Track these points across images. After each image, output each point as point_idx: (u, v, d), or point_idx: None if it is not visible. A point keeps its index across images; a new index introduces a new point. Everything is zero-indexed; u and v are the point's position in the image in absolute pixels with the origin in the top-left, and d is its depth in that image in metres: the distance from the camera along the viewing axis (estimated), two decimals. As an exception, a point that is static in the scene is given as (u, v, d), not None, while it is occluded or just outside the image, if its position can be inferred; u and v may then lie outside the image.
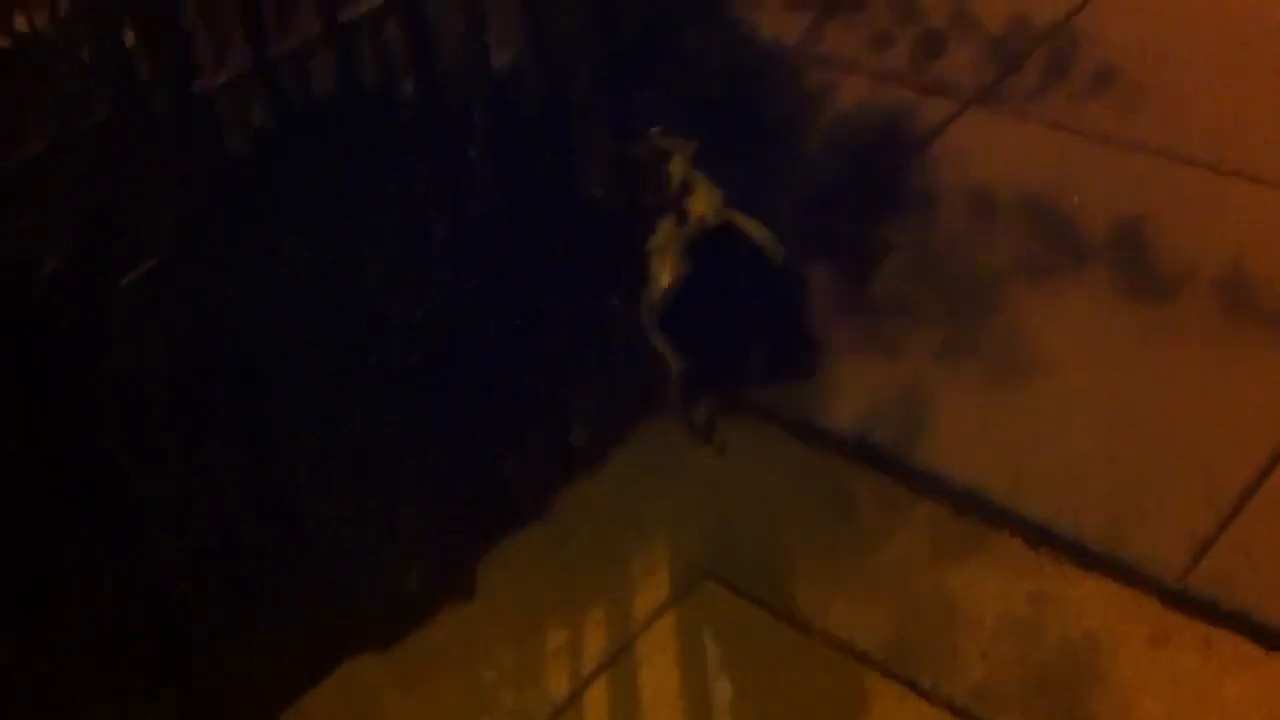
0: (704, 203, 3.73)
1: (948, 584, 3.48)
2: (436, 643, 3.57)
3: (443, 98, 3.34)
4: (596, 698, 3.41)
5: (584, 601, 3.60)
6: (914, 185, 4.63)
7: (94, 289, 2.83)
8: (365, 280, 3.31)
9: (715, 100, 4.30)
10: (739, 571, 3.61)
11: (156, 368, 3.00)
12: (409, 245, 3.40)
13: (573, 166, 3.74)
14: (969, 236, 4.40)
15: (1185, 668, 3.20)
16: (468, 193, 3.48)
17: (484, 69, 3.42)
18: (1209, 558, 3.37)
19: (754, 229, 3.77)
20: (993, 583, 3.47)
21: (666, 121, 3.63)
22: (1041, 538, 3.54)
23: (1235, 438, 3.62)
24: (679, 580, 3.62)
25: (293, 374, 3.24)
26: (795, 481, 3.81)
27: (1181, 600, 3.33)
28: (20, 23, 2.63)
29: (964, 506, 3.63)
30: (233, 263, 3.04)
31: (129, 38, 2.75)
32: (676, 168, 3.75)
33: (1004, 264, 4.28)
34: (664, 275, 3.72)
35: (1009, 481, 3.63)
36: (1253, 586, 3.29)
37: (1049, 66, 4.97)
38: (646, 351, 3.74)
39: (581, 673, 3.46)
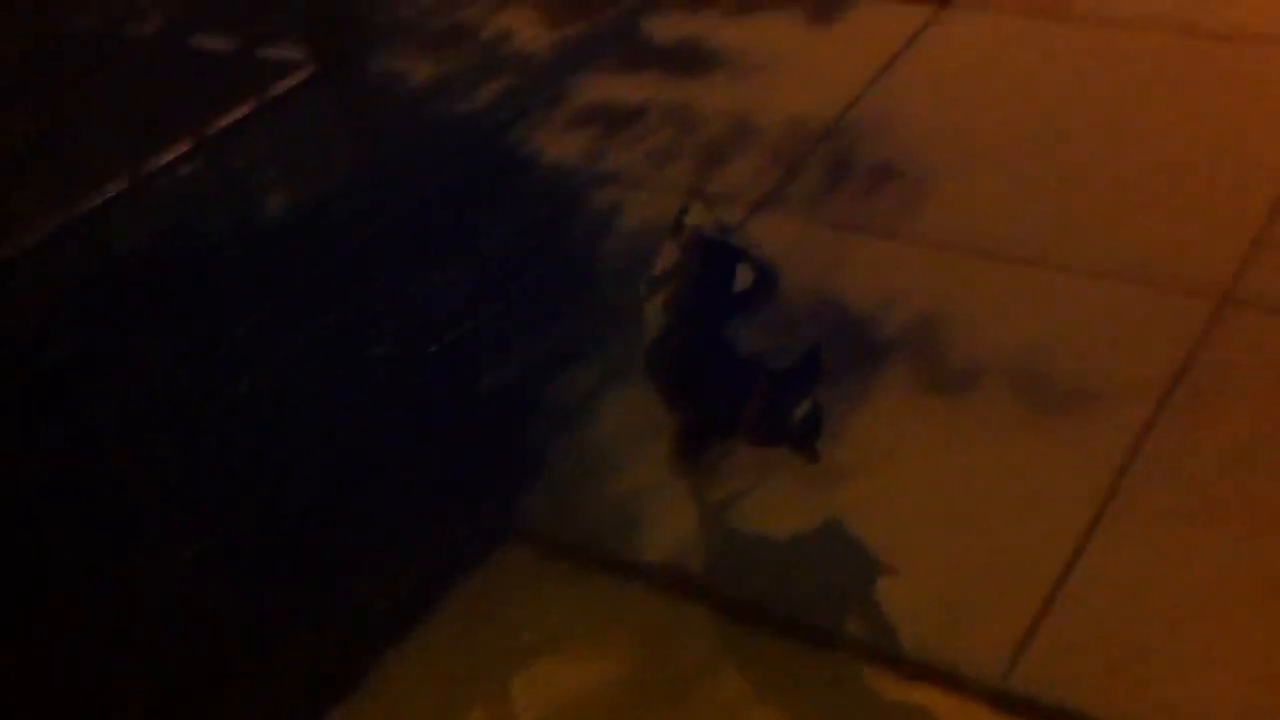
0: (699, 216, 3.87)
1: (780, 714, 3.38)
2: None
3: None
4: None
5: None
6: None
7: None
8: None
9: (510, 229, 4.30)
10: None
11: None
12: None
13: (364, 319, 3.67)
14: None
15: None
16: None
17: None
18: (1028, 654, 3.35)
19: (751, 246, 3.83)
20: (828, 702, 3.39)
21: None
22: (869, 653, 3.48)
23: (1042, 526, 3.63)
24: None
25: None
26: (613, 617, 3.69)
27: (1008, 701, 3.29)
28: None
29: (787, 630, 3.55)
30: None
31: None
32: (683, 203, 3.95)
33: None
34: (655, 323, 3.77)
35: (831, 600, 3.58)
36: (1074, 679, 3.27)
37: (830, 167, 5.03)
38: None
39: None
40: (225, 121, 5.85)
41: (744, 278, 3.81)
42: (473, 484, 4.14)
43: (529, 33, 6.24)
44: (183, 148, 5.72)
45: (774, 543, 3.79)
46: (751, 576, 3.70)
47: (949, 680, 3.34)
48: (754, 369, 3.65)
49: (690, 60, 5.76)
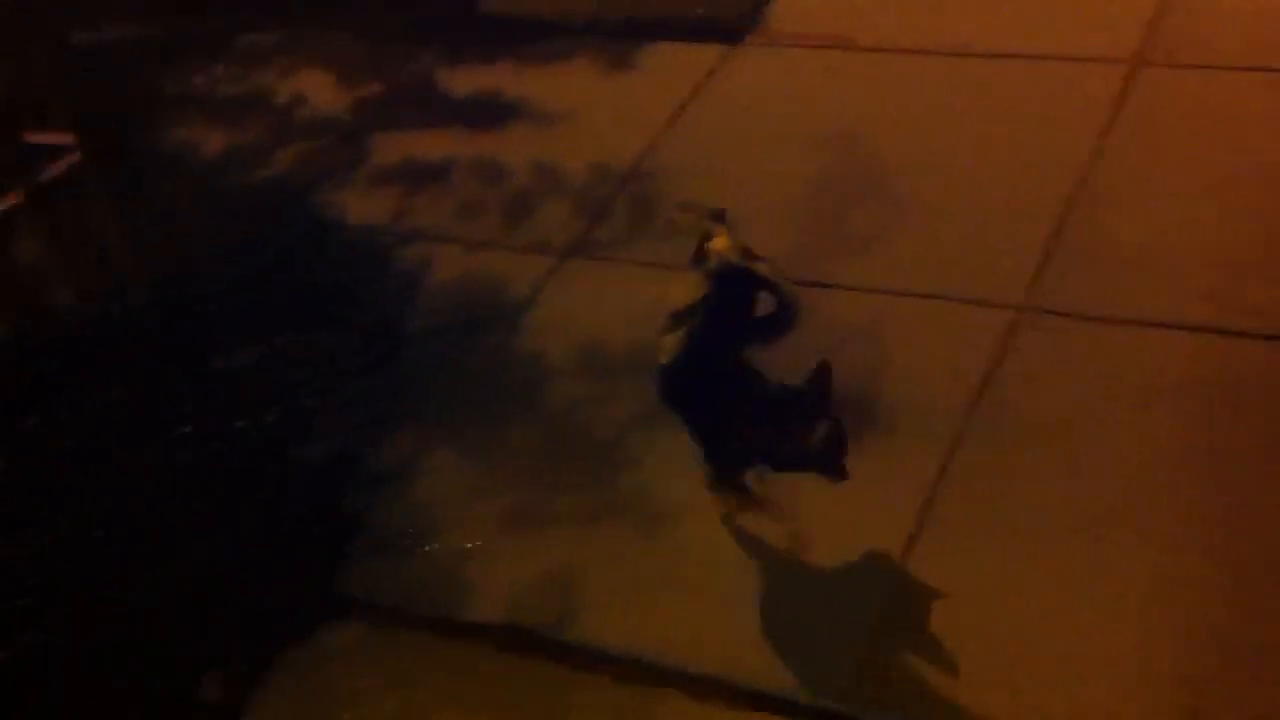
0: (723, 243, 3.78)
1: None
2: None
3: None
4: None
5: None
6: (523, 350, 4.58)
7: None
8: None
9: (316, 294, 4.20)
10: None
11: None
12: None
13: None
14: (589, 394, 4.38)
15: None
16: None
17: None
18: (862, 684, 3.39)
19: (771, 272, 3.74)
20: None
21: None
22: (708, 689, 3.47)
23: (865, 547, 3.69)
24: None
25: None
26: (449, 683, 3.62)
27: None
28: None
29: (626, 675, 3.53)
30: None
31: None
32: (704, 228, 3.86)
33: (627, 416, 4.26)
34: (670, 348, 3.69)
35: (669, 640, 3.57)
36: (911, 696, 3.32)
37: (636, 209, 5.06)
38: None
39: None
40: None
41: (764, 304, 3.75)
42: (295, 557, 4.03)
43: (325, 95, 6.16)
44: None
45: (605, 589, 3.76)
46: (585, 625, 3.66)
47: (790, 707, 3.35)
48: (766, 395, 3.60)
49: (491, 113, 5.75)
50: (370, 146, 5.74)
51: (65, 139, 5.72)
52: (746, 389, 3.62)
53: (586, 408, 4.33)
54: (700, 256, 3.79)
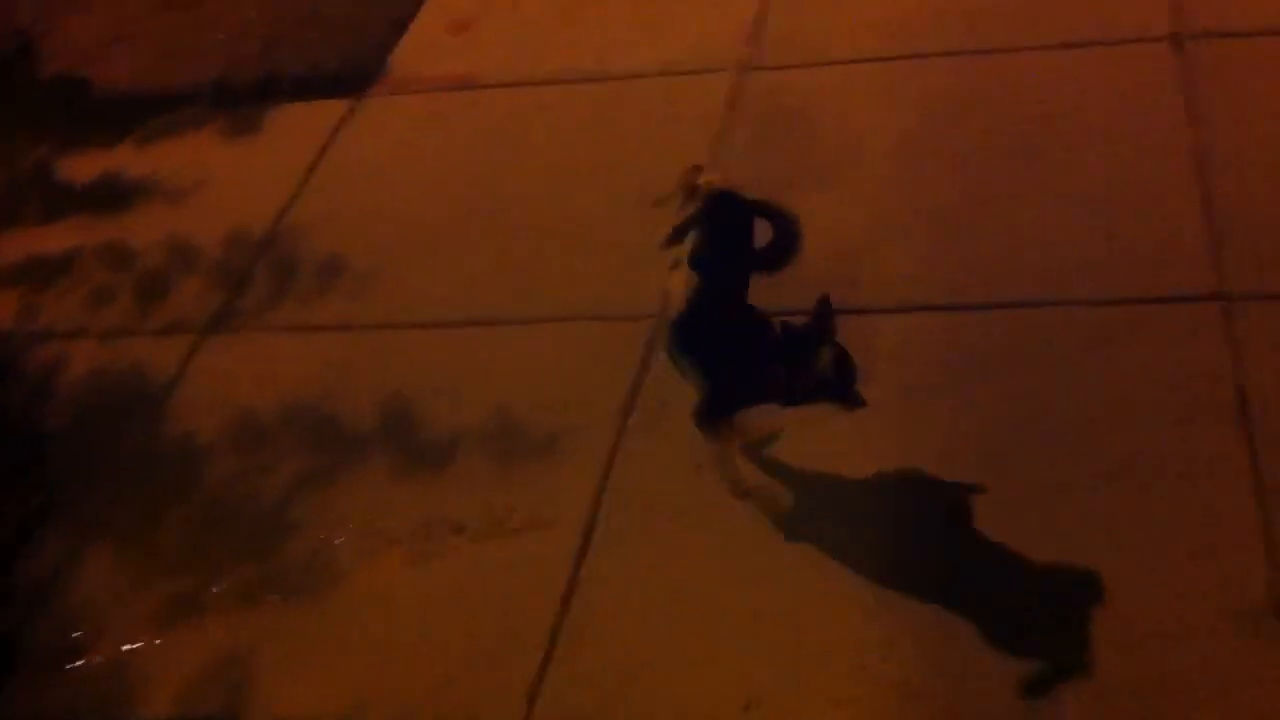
0: (711, 178, 3.73)
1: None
2: None
3: None
4: None
5: None
6: (173, 434, 4.41)
7: None
8: None
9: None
10: None
11: None
12: None
13: None
14: (245, 468, 4.25)
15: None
16: None
17: None
18: (543, 694, 3.43)
19: (768, 200, 3.67)
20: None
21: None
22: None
23: (531, 572, 3.72)
24: None
25: None
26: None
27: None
28: None
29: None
30: None
31: None
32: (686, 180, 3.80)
33: (288, 483, 4.16)
34: (678, 291, 3.57)
35: (342, 703, 3.50)
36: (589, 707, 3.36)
37: (276, 273, 4.95)
38: None
39: None
40: None
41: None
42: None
43: (-64, 200, 5.82)
44: None
45: (275, 663, 3.65)
46: (258, 703, 3.55)
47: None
48: (773, 333, 3.51)
49: (116, 196, 5.54)
50: (-9, 248, 5.45)
51: None
52: (755, 328, 3.55)
53: (244, 481, 4.21)
54: (691, 189, 3.72)
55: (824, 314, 3.46)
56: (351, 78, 5.85)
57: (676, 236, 3.70)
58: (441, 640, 3.60)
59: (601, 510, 3.83)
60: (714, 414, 3.63)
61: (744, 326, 3.56)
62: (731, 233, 3.66)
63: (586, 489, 3.89)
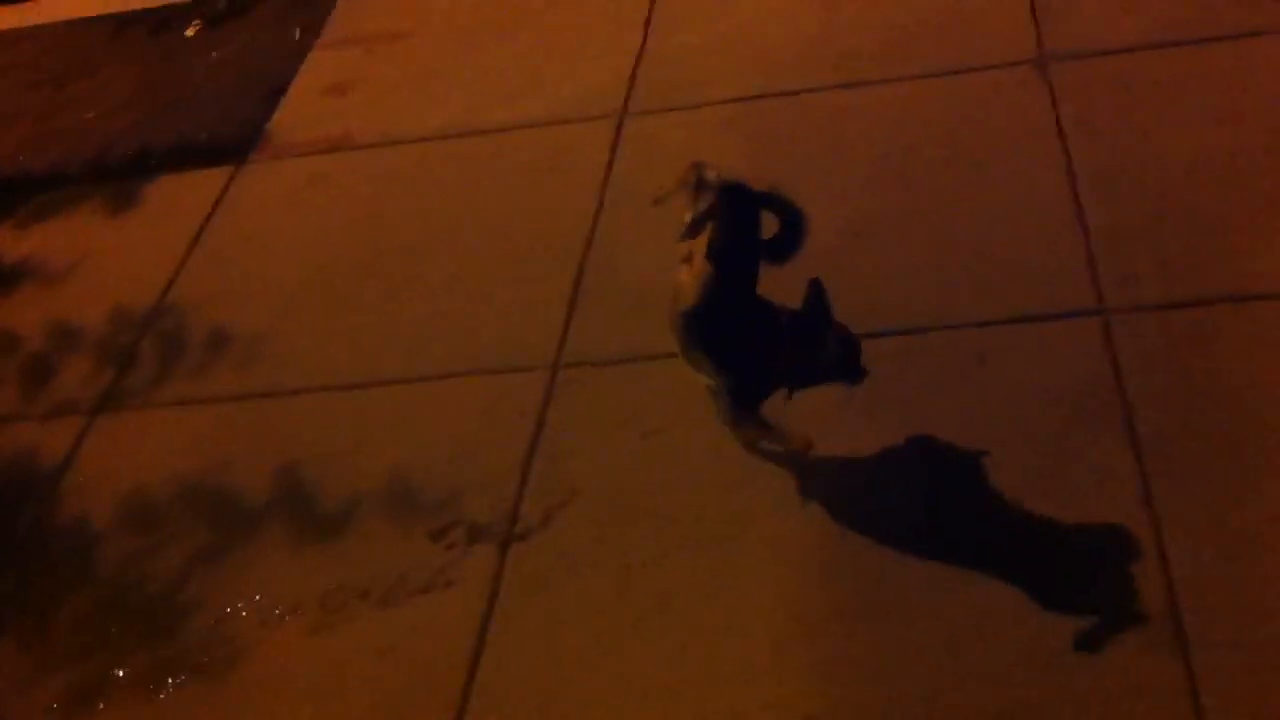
0: (717, 171, 3.76)
1: None
2: None
3: None
4: None
5: None
6: (65, 519, 4.32)
7: None
8: None
9: None
10: None
11: None
12: None
13: None
14: (141, 548, 4.17)
15: None
16: None
17: None
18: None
19: (776, 191, 3.72)
20: None
21: None
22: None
23: (440, 626, 3.71)
24: None
25: None
26: None
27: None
28: None
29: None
30: None
31: None
32: (687, 178, 3.81)
33: (185, 560, 4.09)
34: (691, 287, 3.58)
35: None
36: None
37: (163, 348, 4.88)
38: None
39: None
40: None
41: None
42: None
43: None
44: None
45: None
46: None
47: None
48: (779, 320, 3.58)
49: (-6, 281, 5.44)
50: None
51: None
52: (763, 317, 3.60)
53: (141, 561, 4.13)
54: (701, 183, 3.74)
55: (819, 297, 3.53)
56: (230, 146, 5.80)
57: (694, 229, 3.71)
58: (346, 710, 3.55)
59: (506, 567, 3.81)
60: (739, 406, 3.72)
61: (756, 317, 3.62)
62: (743, 225, 3.71)
63: (489, 547, 3.87)
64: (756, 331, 3.60)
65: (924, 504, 3.70)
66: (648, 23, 5.94)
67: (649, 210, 4.82)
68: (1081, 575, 3.43)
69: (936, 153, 4.83)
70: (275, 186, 5.57)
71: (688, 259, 3.67)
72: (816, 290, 3.53)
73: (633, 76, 5.62)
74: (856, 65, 5.33)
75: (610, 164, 5.17)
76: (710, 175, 3.77)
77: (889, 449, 3.86)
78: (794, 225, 3.75)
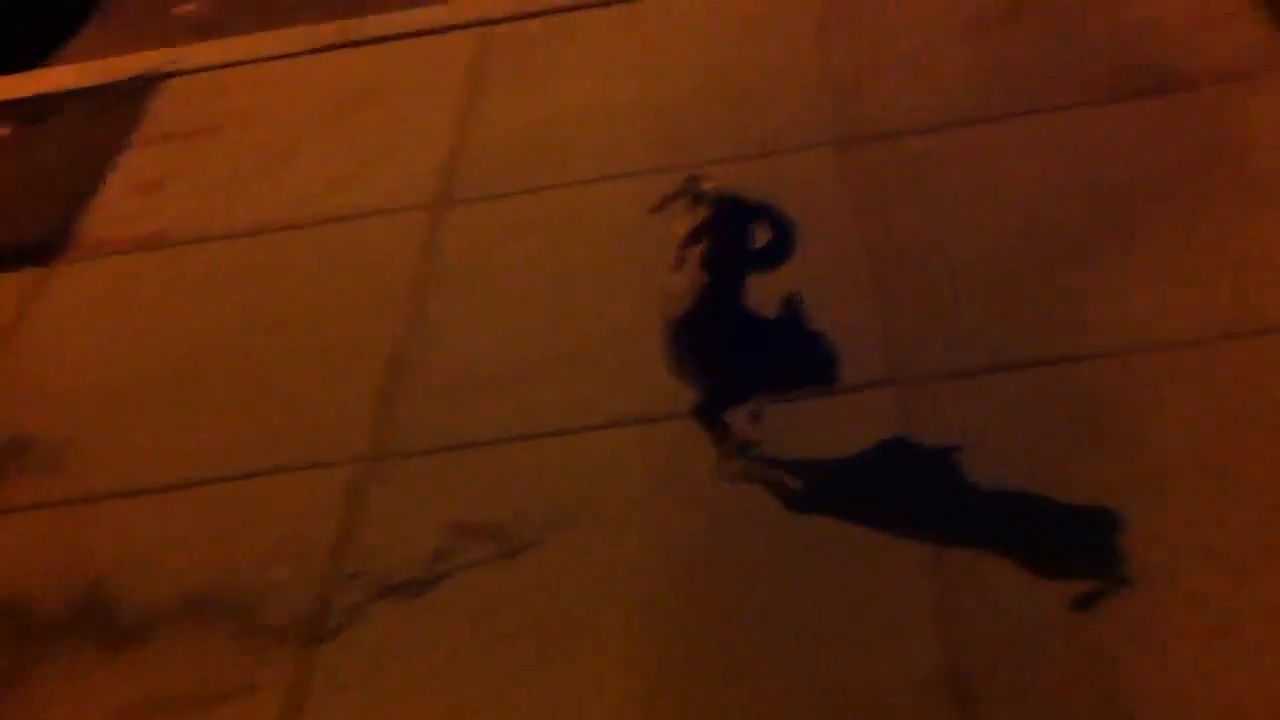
0: (714, 183, 3.93)
1: None
2: None
3: None
4: None
5: None
6: None
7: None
8: None
9: None
10: None
11: None
12: None
13: None
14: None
15: None
16: None
17: None
18: None
19: (763, 204, 3.91)
20: None
21: None
22: None
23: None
24: None
25: None
26: None
27: None
28: None
29: None
30: None
31: None
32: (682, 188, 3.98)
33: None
34: (681, 291, 3.81)
35: None
36: None
37: (-39, 460, 4.73)
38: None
39: None
40: None
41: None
42: None
43: None
44: None
45: None
46: None
47: None
48: (759, 328, 3.77)
49: None
50: None
51: None
52: (750, 325, 3.78)
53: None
54: (698, 195, 3.91)
55: (795, 308, 3.74)
56: (36, 250, 5.67)
57: (693, 239, 3.85)
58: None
59: (316, 664, 3.74)
60: (717, 410, 3.88)
61: (743, 324, 3.80)
62: (736, 234, 3.88)
63: (294, 648, 3.80)
64: (741, 337, 3.80)
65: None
66: (467, 115, 6.00)
67: (468, 298, 4.90)
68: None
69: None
70: (84, 288, 5.46)
71: (679, 266, 3.86)
72: (793, 302, 3.75)
73: (449, 168, 5.65)
74: (673, 146, 5.42)
75: (428, 254, 5.18)
76: (707, 187, 3.94)
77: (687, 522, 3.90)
78: (785, 236, 3.92)
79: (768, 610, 3.63)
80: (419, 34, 6.66)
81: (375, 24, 6.81)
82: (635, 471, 4.11)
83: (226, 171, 5.96)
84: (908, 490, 3.85)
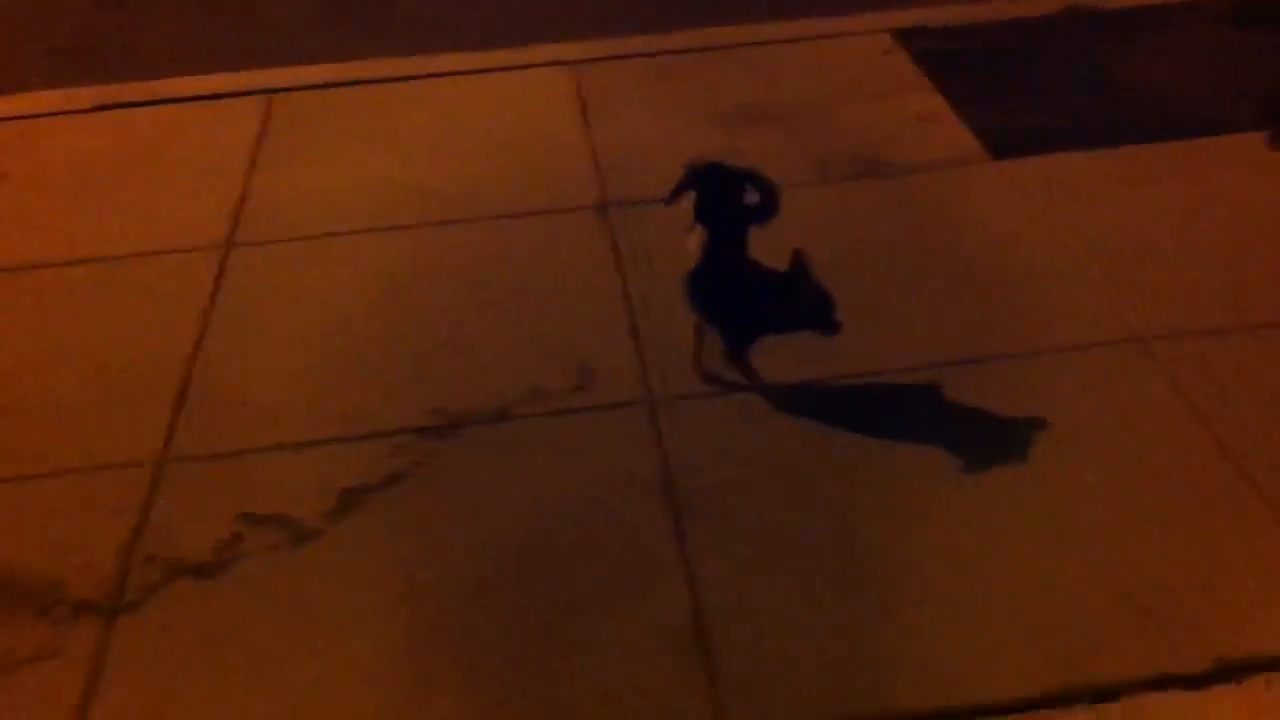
0: (696, 157, 4.83)
1: None
2: None
3: None
4: None
5: None
6: None
7: None
8: None
9: None
10: None
11: None
12: None
13: None
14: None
15: None
16: None
17: None
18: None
19: (748, 169, 4.72)
20: None
21: None
22: None
23: None
24: None
25: None
26: None
27: None
28: None
29: None
30: None
31: None
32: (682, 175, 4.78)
33: None
34: (694, 249, 4.69)
35: None
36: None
37: None
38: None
39: None
40: None
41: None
42: None
43: None
44: None
45: None
46: None
47: None
48: (765, 277, 4.57)
49: None
50: None
51: None
52: (753, 275, 4.60)
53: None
54: (688, 167, 4.75)
55: (801, 262, 4.52)
56: None
57: (672, 198, 4.73)
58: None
59: (114, 636, 4.03)
60: (738, 346, 4.72)
61: (748, 272, 4.62)
62: (727, 193, 4.69)
63: (96, 619, 4.08)
64: (748, 285, 4.60)
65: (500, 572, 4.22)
66: (254, 161, 6.45)
67: (249, 327, 5.27)
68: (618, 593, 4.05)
69: (516, 279, 5.51)
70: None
71: (690, 229, 4.72)
72: (799, 257, 4.53)
73: (238, 209, 6.04)
74: (441, 208, 6.01)
75: (214, 292, 5.53)
76: (695, 161, 4.81)
77: (466, 524, 4.38)
78: (769, 195, 4.67)
79: (521, 586, 4.14)
80: (207, 98, 7.08)
81: (165, 87, 7.20)
82: (399, 473, 4.59)
83: (16, 208, 6.20)
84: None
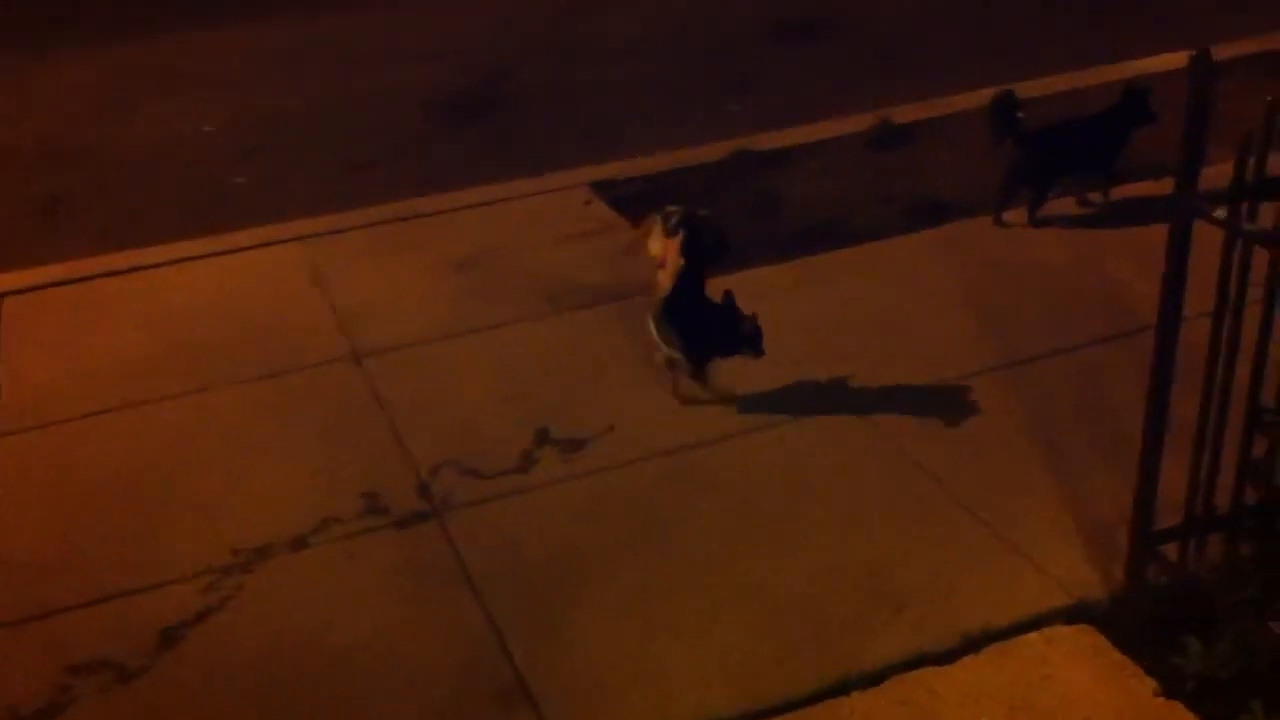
0: (680, 207, 6.03)
1: None
2: None
3: None
4: None
5: None
6: None
7: None
8: None
9: None
10: None
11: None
12: None
13: None
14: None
15: None
16: None
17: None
18: None
19: (710, 218, 6.05)
20: None
21: None
22: None
23: None
24: None
25: None
26: None
27: None
28: None
29: None
30: None
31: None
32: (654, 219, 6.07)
33: None
34: (665, 283, 5.87)
35: None
36: None
37: None
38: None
39: None
40: None
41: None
42: None
43: None
44: None
45: None
46: None
47: None
48: (713, 309, 5.68)
49: None
50: None
51: None
52: (709, 307, 5.71)
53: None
54: (671, 219, 5.90)
55: (730, 298, 5.63)
56: None
57: (674, 230, 5.88)
58: None
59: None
60: (700, 363, 5.79)
61: (705, 305, 5.75)
62: (699, 237, 5.82)
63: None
64: (708, 313, 5.69)
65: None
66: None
67: (24, 527, 5.44)
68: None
69: (275, 424, 5.99)
70: None
71: (661, 265, 5.88)
72: (729, 296, 5.64)
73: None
74: (205, 371, 6.40)
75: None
76: (675, 208, 5.97)
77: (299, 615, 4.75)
78: (723, 242, 6.00)
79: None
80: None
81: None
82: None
83: None
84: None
